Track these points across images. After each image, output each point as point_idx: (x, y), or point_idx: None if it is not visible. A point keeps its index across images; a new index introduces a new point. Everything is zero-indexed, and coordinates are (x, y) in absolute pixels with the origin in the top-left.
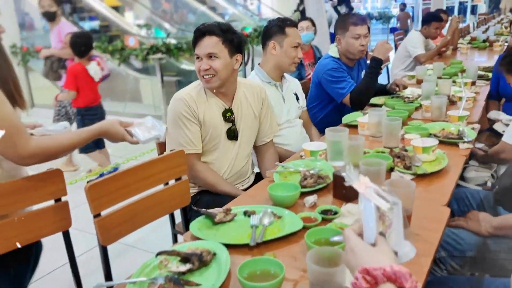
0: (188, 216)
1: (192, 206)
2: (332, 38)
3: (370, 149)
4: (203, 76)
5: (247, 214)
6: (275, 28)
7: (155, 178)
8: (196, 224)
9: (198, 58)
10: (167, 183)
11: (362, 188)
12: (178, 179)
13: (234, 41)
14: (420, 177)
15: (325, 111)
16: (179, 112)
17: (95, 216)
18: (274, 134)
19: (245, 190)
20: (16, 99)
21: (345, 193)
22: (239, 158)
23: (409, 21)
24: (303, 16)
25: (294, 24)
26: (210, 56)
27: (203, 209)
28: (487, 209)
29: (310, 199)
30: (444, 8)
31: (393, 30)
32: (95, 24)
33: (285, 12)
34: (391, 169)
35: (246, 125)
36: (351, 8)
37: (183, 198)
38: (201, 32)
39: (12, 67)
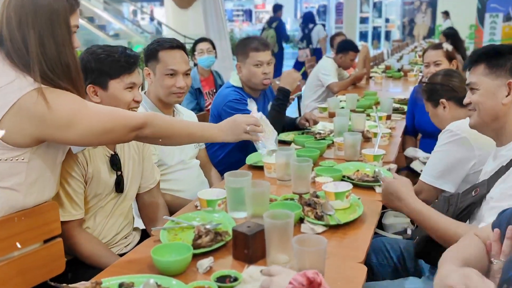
0: None
1: (49, 281)
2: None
3: (278, 196)
4: None
5: (123, 287)
6: (148, 52)
7: (13, 240)
8: None
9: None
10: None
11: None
12: (47, 240)
13: None
14: (333, 228)
15: (226, 149)
16: None
17: None
18: (159, 178)
19: (128, 252)
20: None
21: (247, 253)
22: (123, 213)
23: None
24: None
25: (175, 47)
26: None
27: (64, 284)
28: (407, 262)
29: (205, 263)
30: (358, 33)
31: None
32: None
33: (182, 29)
34: (300, 220)
35: (132, 172)
36: (315, 24)
37: (55, 265)
38: None
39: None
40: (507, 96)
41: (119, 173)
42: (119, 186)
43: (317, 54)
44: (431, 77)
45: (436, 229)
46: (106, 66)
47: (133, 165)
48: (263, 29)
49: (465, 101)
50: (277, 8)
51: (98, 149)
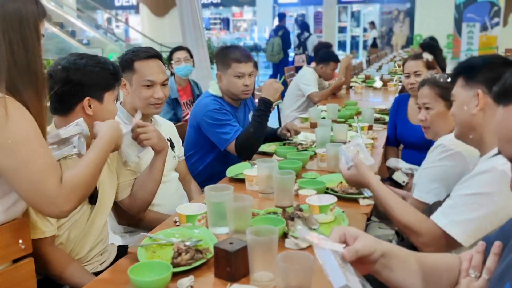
0: None
1: None
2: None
3: (260, 210)
4: None
5: None
6: (123, 63)
7: None
8: None
9: None
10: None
11: (317, 240)
12: (17, 259)
13: None
14: None
15: (206, 160)
16: None
17: None
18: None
19: (103, 270)
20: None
21: (229, 271)
22: (98, 228)
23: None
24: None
25: (152, 57)
26: None
27: None
28: None
29: (185, 282)
30: (336, 42)
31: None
32: None
33: (159, 37)
34: (284, 235)
35: (105, 181)
36: (310, 34)
37: (25, 286)
38: None
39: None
40: (476, 106)
41: None
42: (92, 197)
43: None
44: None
45: (391, 208)
46: (102, 79)
47: (107, 174)
48: (270, 37)
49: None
50: (282, 16)
51: (69, 160)
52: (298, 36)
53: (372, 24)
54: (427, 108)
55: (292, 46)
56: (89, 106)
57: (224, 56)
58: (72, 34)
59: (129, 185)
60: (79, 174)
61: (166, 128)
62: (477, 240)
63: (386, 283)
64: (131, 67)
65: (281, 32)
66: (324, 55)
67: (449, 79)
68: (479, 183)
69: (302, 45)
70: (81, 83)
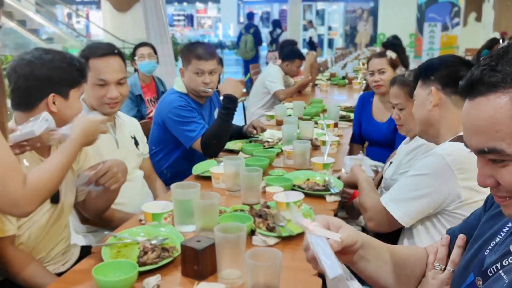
0: None
1: None
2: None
3: (227, 207)
4: None
5: None
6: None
7: None
8: None
9: None
10: None
11: (311, 226)
12: None
13: None
14: (285, 240)
15: (171, 158)
16: None
17: None
18: None
19: (66, 271)
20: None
21: (197, 269)
22: (60, 227)
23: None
24: None
25: (107, 54)
26: None
27: None
28: None
29: (152, 281)
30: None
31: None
32: None
33: (121, 33)
34: (252, 232)
35: (68, 181)
36: (282, 31)
37: None
38: None
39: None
40: (431, 102)
41: None
42: (54, 196)
43: None
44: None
45: (361, 192)
46: (69, 75)
47: (70, 173)
48: (241, 34)
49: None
50: (251, 15)
51: (27, 155)
52: (271, 33)
53: (310, 23)
54: (399, 109)
55: (265, 44)
56: (54, 102)
57: (187, 51)
58: (31, 29)
59: (84, 189)
60: (45, 176)
61: (130, 125)
62: (415, 220)
63: (360, 274)
64: (87, 65)
65: (252, 29)
66: (289, 53)
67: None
68: (419, 165)
69: (274, 42)
70: (46, 78)
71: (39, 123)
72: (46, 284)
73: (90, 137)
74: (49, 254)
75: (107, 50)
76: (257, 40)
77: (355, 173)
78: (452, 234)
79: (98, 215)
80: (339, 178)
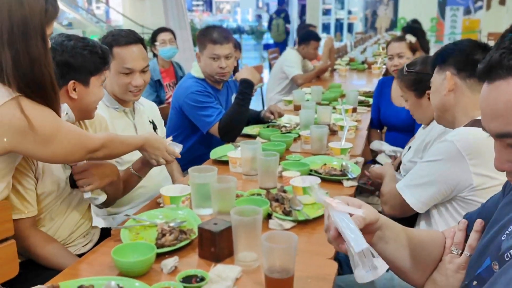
0: None
1: (1, 286)
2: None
3: (244, 191)
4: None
5: None
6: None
7: None
8: None
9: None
10: None
11: (334, 203)
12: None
13: None
14: (301, 224)
15: (188, 143)
16: None
17: None
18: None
19: (86, 252)
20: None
21: (213, 251)
22: (82, 210)
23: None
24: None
25: (132, 42)
26: None
27: None
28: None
29: (170, 262)
30: (320, 25)
31: (266, 46)
32: None
33: (140, 19)
34: (268, 216)
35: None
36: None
37: (7, 268)
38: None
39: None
40: (446, 87)
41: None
42: (74, 182)
43: None
44: (410, 65)
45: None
46: (90, 63)
47: None
48: (272, 19)
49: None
50: (281, 1)
51: None
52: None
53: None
54: (405, 100)
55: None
56: (74, 89)
57: (203, 36)
58: None
59: None
60: (120, 147)
61: (148, 109)
62: (428, 206)
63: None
64: (110, 53)
65: (283, 14)
66: (304, 35)
67: (408, 68)
68: (432, 151)
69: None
70: (67, 65)
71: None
72: (68, 264)
73: (150, 148)
74: (71, 237)
75: (131, 38)
76: (287, 23)
77: (385, 167)
78: (470, 219)
79: (113, 201)
80: (356, 163)
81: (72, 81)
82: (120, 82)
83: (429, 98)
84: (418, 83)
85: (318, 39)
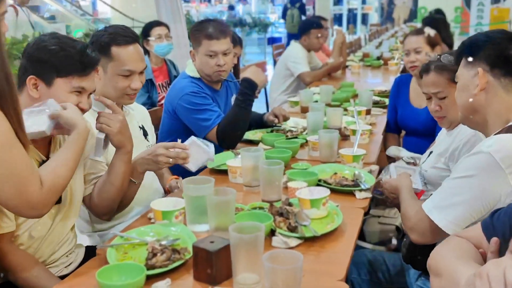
0: None
1: None
2: None
3: (245, 205)
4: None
5: None
6: (98, 46)
7: None
8: None
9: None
10: None
11: None
12: None
13: None
14: (309, 241)
15: None
16: None
17: None
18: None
19: (69, 273)
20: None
21: (210, 272)
22: (65, 227)
23: None
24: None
25: (130, 42)
26: None
27: None
28: (393, 277)
29: (161, 285)
30: (331, 16)
31: (271, 41)
32: None
33: (130, 11)
34: (271, 232)
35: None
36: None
37: None
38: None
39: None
40: (477, 86)
41: None
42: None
43: None
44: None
45: (402, 201)
46: (56, 60)
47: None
48: (287, 9)
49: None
50: None
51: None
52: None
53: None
54: (440, 97)
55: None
56: (36, 87)
57: (197, 31)
58: (32, 7)
59: (92, 180)
60: (57, 174)
61: (138, 114)
62: (462, 227)
63: None
64: (108, 53)
65: (298, 4)
66: (302, 26)
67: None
68: (464, 166)
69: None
70: (30, 57)
71: (48, 121)
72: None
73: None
74: (52, 257)
75: (129, 37)
76: (303, 14)
77: (400, 179)
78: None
79: (106, 213)
80: (370, 172)
81: (31, 76)
82: (119, 85)
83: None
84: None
85: (318, 26)
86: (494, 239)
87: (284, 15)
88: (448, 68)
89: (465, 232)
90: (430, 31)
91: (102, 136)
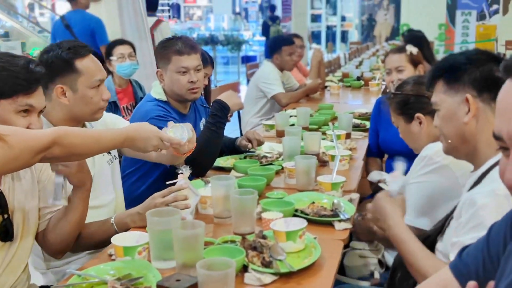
0: None
1: None
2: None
3: (215, 239)
4: None
5: None
6: (59, 62)
7: None
8: None
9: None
10: None
11: None
12: None
13: None
14: (284, 277)
15: (148, 180)
16: None
17: None
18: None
19: None
20: None
21: None
22: (16, 267)
23: None
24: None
25: (88, 53)
26: None
27: None
28: None
29: None
30: (309, 33)
31: (245, 59)
32: None
33: None
34: (244, 268)
35: (25, 211)
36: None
37: None
38: None
39: None
40: (467, 113)
41: (5, 216)
42: (7, 234)
43: None
44: (400, 85)
45: (407, 255)
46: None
47: (25, 200)
48: (268, 26)
49: (434, 123)
50: (273, 8)
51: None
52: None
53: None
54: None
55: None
56: None
57: (163, 49)
58: None
59: (46, 215)
60: (79, 140)
61: (99, 126)
62: None
63: None
64: (73, 69)
65: (278, 21)
66: (272, 44)
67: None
68: (476, 219)
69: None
70: None
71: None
72: None
73: (137, 142)
74: None
75: (87, 47)
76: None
77: (387, 207)
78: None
79: (60, 251)
80: (350, 200)
81: None
82: (93, 99)
83: (420, 123)
84: (404, 106)
85: (289, 42)
86: (472, 284)
87: (265, 32)
88: (392, 101)
89: (433, 279)
90: (412, 49)
91: (61, 179)
